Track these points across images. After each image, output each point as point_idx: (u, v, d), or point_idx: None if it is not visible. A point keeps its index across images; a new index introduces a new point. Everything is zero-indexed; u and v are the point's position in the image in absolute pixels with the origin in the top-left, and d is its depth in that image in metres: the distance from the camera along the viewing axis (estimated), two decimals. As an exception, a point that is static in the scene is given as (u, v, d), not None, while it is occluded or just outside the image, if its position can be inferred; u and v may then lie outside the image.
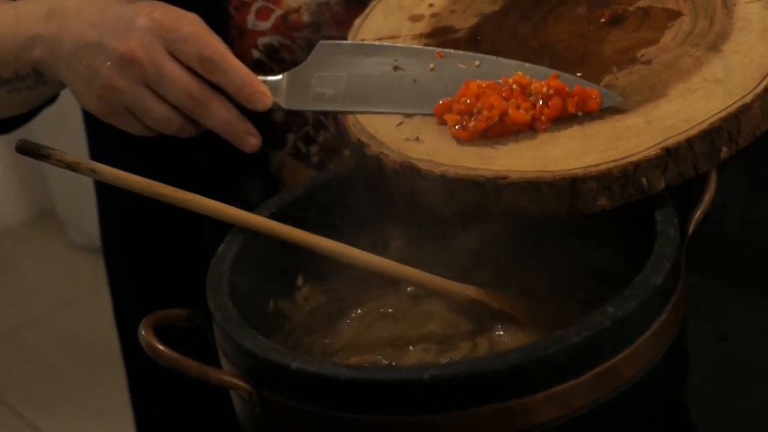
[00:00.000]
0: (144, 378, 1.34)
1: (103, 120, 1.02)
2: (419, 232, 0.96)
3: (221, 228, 0.93)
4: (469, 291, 0.92)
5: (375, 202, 0.95)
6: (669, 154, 0.85)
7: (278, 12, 1.11)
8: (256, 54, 1.11)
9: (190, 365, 0.81)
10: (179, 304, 0.90)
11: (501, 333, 0.91)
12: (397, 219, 0.96)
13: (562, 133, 0.90)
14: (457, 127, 0.91)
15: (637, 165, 0.85)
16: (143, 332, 0.83)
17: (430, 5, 1.08)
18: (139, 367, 1.34)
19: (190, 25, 0.99)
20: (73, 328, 2.78)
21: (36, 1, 1.05)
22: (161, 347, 0.82)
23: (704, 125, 0.86)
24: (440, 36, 1.04)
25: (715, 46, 0.93)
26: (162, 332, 0.84)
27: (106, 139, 1.05)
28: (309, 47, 1.09)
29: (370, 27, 1.06)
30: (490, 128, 0.90)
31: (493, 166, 0.88)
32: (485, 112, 0.90)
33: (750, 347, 0.99)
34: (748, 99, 0.87)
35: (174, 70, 0.97)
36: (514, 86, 0.91)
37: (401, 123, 0.96)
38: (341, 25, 1.10)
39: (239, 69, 0.99)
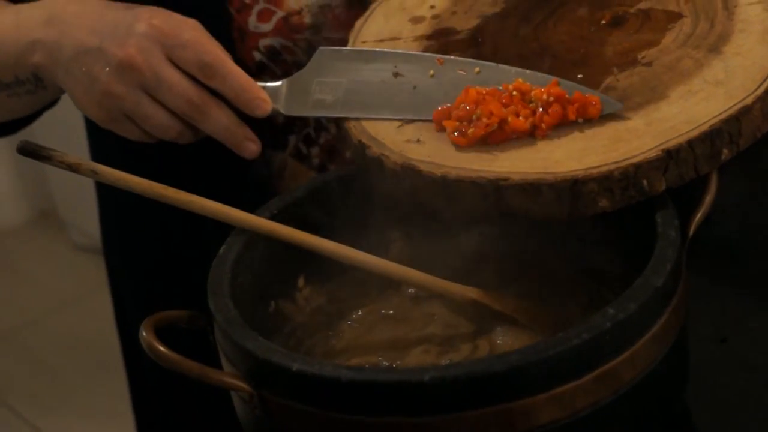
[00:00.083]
0: (145, 379, 1.34)
1: (102, 126, 1.02)
2: (420, 233, 0.96)
3: (222, 229, 0.93)
4: (470, 293, 0.92)
5: (376, 203, 0.95)
6: (670, 156, 0.85)
7: (280, 14, 1.11)
8: (257, 56, 1.11)
9: (191, 366, 0.81)
10: (180, 305, 0.90)
11: (502, 335, 0.91)
12: (398, 220, 0.96)
13: (562, 135, 0.90)
14: (455, 133, 0.91)
15: (637, 167, 0.85)
16: (144, 333, 0.83)
17: (431, 7, 1.08)
18: (139, 368, 1.34)
19: (190, 30, 0.98)
20: (74, 328, 2.78)
21: (37, 6, 1.05)
22: (162, 348, 0.82)
23: (705, 127, 0.86)
24: (441, 38, 1.04)
25: (715, 48, 0.93)
26: (163, 333, 0.84)
27: (107, 140, 1.05)
28: (310, 49, 1.09)
29: (371, 29, 1.07)
30: (489, 135, 0.90)
31: (494, 167, 0.88)
32: (484, 120, 0.90)
33: (750, 349, 0.99)
34: (748, 101, 0.87)
35: (173, 75, 0.97)
36: (514, 93, 0.91)
37: (402, 125, 0.96)
38: (342, 27, 1.10)
39: (239, 75, 0.98)
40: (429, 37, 1.05)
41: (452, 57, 0.99)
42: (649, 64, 0.94)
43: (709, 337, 0.98)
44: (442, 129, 0.93)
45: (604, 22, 1.00)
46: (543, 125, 0.89)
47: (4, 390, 2.64)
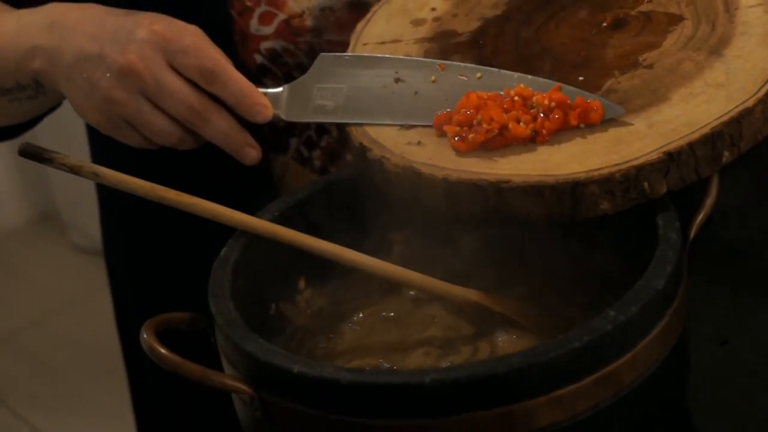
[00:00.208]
0: (145, 381, 1.34)
1: (102, 132, 1.02)
2: (421, 235, 0.96)
3: (223, 231, 0.93)
4: (470, 295, 0.92)
5: (377, 205, 0.95)
6: (671, 159, 0.85)
7: (281, 16, 1.11)
8: (259, 58, 1.11)
9: (191, 368, 0.81)
10: (181, 308, 0.90)
11: (502, 337, 0.91)
12: (399, 223, 0.96)
13: (563, 137, 0.90)
14: (456, 138, 0.91)
15: (639, 169, 0.85)
16: (145, 335, 0.83)
17: (433, 9, 1.08)
18: (140, 370, 1.34)
19: (191, 36, 0.98)
20: (74, 330, 2.78)
21: (38, 12, 1.05)
22: (163, 350, 0.82)
23: (706, 129, 0.86)
24: (442, 40, 1.04)
25: (716, 50, 0.93)
26: (164, 335, 0.84)
27: (108, 143, 1.05)
28: (312, 52, 1.09)
29: (372, 31, 1.07)
30: (489, 141, 0.90)
31: (496, 170, 0.88)
32: (485, 125, 0.90)
33: (751, 351, 0.99)
34: (750, 103, 0.87)
35: (174, 82, 0.97)
36: (516, 98, 0.91)
37: (403, 128, 0.96)
38: (344, 30, 1.10)
39: (239, 81, 0.98)
40: (430, 40, 1.05)
41: (454, 62, 0.98)
42: (650, 66, 0.94)
43: (710, 339, 0.98)
44: (442, 134, 0.93)
45: (605, 24, 1.00)
46: (544, 131, 0.89)
47: (4, 391, 2.64)
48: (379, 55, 1.02)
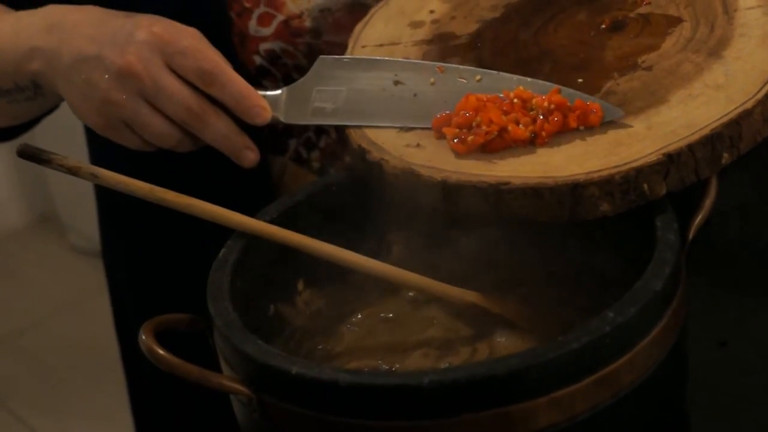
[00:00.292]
0: (144, 382, 1.34)
1: (100, 134, 1.02)
2: (420, 237, 0.96)
3: (222, 233, 0.93)
4: (469, 296, 0.92)
5: (376, 207, 0.95)
6: (670, 160, 0.85)
7: (280, 18, 1.11)
8: (257, 60, 1.11)
9: (190, 370, 0.81)
10: (180, 309, 0.90)
11: (501, 338, 0.91)
12: (398, 224, 0.96)
13: (563, 139, 0.90)
14: (455, 140, 0.91)
15: (638, 171, 0.85)
16: (143, 337, 0.83)
17: (431, 12, 1.08)
18: (139, 372, 1.34)
19: (189, 38, 0.98)
20: (73, 332, 2.78)
21: (37, 14, 1.04)
22: (161, 352, 0.82)
23: (705, 131, 0.86)
24: (441, 42, 1.04)
25: (715, 52, 0.93)
26: (162, 337, 0.84)
27: (106, 144, 1.05)
28: (311, 53, 1.09)
29: (370, 33, 1.07)
30: (488, 143, 0.90)
31: (495, 171, 0.88)
32: (484, 127, 0.90)
33: (750, 352, 0.99)
34: (749, 105, 0.87)
35: (172, 83, 0.97)
36: (515, 100, 0.91)
37: (402, 129, 0.96)
38: (343, 31, 1.10)
39: (238, 83, 0.98)
40: (429, 42, 1.05)
41: (453, 65, 0.98)
42: (649, 68, 0.94)
43: (709, 341, 0.98)
44: (441, 136, 0.93)
45: (604, 26, 1.00)
46: (543, 133, 0.89)
47: (3, 393, 2.64)
48: (378, 57, 1.01)
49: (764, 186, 1.17)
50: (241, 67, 1.11)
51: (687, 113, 0.88)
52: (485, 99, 0.92)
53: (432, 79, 0.97)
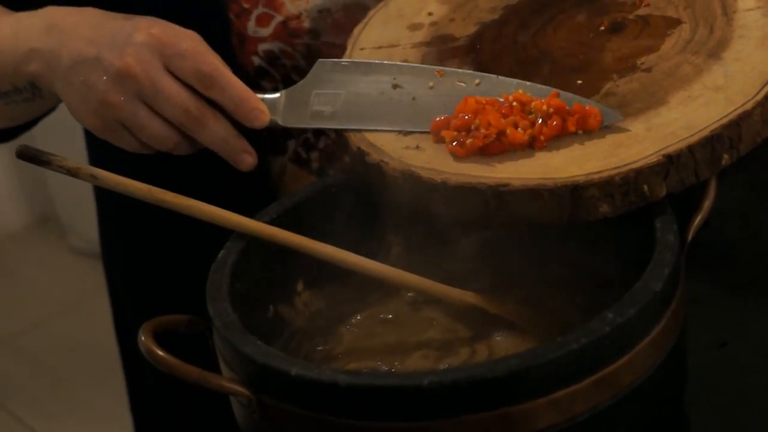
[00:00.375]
0: (144, 383, 1.34)
1: (98, 136, 1.02)
2: (419, 238, 0.96)
3: (221, 234, 0.93)
4: (468, 297, 0.92)
5: (375, 208, 0.95)
6: (670, 161, 0.85)
7: (279, 18, 1.11)
8: (256, 60, 1.11)
9: (189, 371, 0.81)
10: (179, 310, 0.90)
11: (500, 339, 0.91)
12: (397, 225, 0.96)
13: (562, 141, 0.90)
14: (454, 143, 0.91)
15: (638, 172, 0.85)
16: (143, 338, 0.83)
17: (430, 14, 1.08)
18: (138, 373, 1.34)
19: (189, 41, 0.98)
20: (73, 333, 2.78)
21: (36, 15, 1.04)
22: (161, 353, 0.82)
23: (705, 132, 0.86)
24: (440, 45, 1.04)
25: (715, 53, 0.93)
26: (162, 338, 0.84)
27: (105, 145, 1.05)
28: (309, 53, 1.09)
29: (369, 36, 1.06)
30: (487, 146, 0.90)
31: (495, 173, 0.88)
32: (482, 130, 0.90)
33: (749, 353, 0.99)
34: (748, 106, 0.87)
35: (171, 85, 0.97)
36: (514, 104, 0.91)
37: (401, 132, 0.96)
38: (342, 32, 1.09)
39: (237, 85, 0.98)
40: (427, 44, 1.05)
41: (452, 69, 0.98)
42: (648, 69, 0.94)
43: (708, 342, 0.98)
44: (440, 140, 0.92)
45: (603, 28, 1.00)
46: (542, 137, 0.89)
47: (3, 393, 2.64)
48: (377, 61, 1.01)
49: (763, 187, 1.17)
50: (239, 67, 1.11)
51: (686, 115, 0.88)
52: (484, 102, 0.92)
53: (431, 83, 0.97)
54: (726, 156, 0.87)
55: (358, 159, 0.96)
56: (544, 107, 0.90)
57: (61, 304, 2.89)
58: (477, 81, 0.96)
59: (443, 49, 1.04)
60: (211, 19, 1.09)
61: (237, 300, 0.87)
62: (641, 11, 1.01)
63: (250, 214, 0.94)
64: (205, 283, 0.88)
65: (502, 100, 0.92)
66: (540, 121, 0.90)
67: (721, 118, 0.87)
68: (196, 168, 1.09)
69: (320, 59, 1.01)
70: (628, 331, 0.78)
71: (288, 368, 0.78)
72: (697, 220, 0.87)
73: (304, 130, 1.13)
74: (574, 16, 1.03)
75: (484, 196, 0.87)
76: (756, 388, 0.95)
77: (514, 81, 0.94)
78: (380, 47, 1.05)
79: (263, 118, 0.99)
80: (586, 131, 0.90)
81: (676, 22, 0.98)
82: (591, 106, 0.90)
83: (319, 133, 1.13)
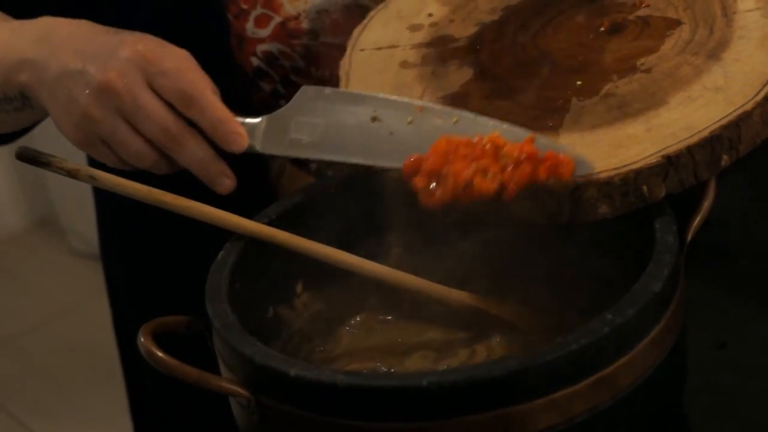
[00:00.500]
0: (143, 385, 1.34)
1: (80, 149, 1.01)
2: (418, 239, 0.96)
3: (221, 235, 0.93)
4: (468, 298, 0.92)
5: (374, 209, 0.95)
6: (670, 162, 0.85)
7: (277, 19, 1.11)
8: (255, 61, 1.11)
9: (189, 372, 0.81)
10: (178, 311, 0.90)
11: (499, 340, 0.91)
12: (397, 226, 0.96)
13: (562, 141, 0.90)
14: (425, 191, 0.89)
15: (637, 173, 0.85)
16: (142, 339, 0.83)
17: (429, 15, 1.08)
18: (138, 374, 1.34)
19: (175, 60, 0.96)
20: (73, 335, 2.78)
21: (31, 24, 1.03)
22: (160, 354, 0.82)
23: (705, 133, 0.86)
24: (439, 45, 1.04)
25: (714, 54, 0.93)
26: (161, 339, 0.84)
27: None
28: (308, 54, 1.09)
29: (369, 37, 1.06)
30: (456, 196, 0.88)
31: (494, 174, 0.88)
32: (450, 180, 0.88)
33: (749, 354, 0.99)
34: (748, 107, 0.87)
35: (151, 103, 0.95)
36: (488, 146, 0.89)
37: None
38: (340, 32, 1.09)
39: (217, 107, 0.96)
40: (427, 45, 1.05)
41: (433, 105, 0.96)
42: (648, 70, 0.94)
43: (707, 343, 0.98)
44: (412, 186, 0.90)
45: (603, 29, 1.00)
46: (512, 185, 0.87)
47: (3, 396, 2.64)
48: (359, 92, 0.99)
49: (763, 188, 1.17)
50: (238, 68, 1.11)
51: (686, 115, 0.88)
52: (457, 143, 0.89)
53: (409, 118, 0.95)
54: (725, 157, 0.87)
55: (357, 160, 0.95)
56: (516, 153, 0.88)
57: (61, 305, 2.89)
58: (455, 119, 0.94)
59: (443, 50, 1.04)
60: (210, 21, 1.09)
61: (236, 301, 0.87)
62: (641, 12, 1.01)
63: (249, 215, 0.94)
64: (205, 284, 0.88)
65: (476, 140, 0.89)
66: (510, 168, 0.88)
67: (720, 119, 0.87)
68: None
69: (303, 86, 0.99)
70: (628, 332, 0.78)
71: (287, 369, 0.78)
72: (697, 221, 0.87)
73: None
74: (574, 17, 1.03)
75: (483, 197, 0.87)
76: (755, 389, 0.95)
77: (492, 122, 0.92)
78: (380, 48, 1.05)
79: (241, 142, 0.97)
80: (558, 179, 0.88)
81: (675, 23, 0.98)
82: (565, 155, 0.87)
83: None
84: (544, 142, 0.89)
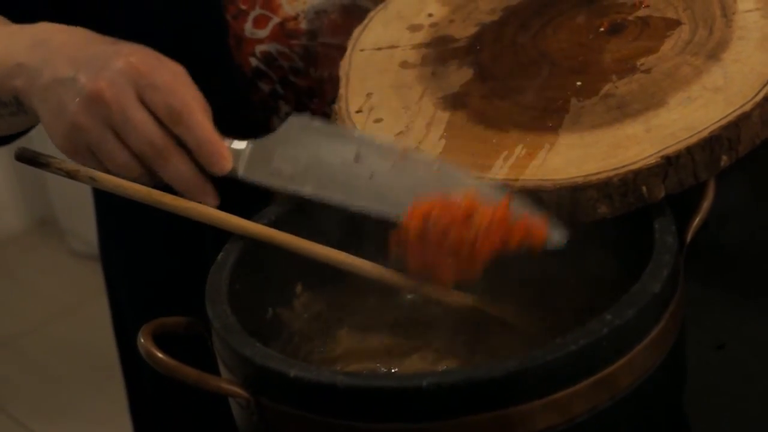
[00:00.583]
0: (143, 385, 1.34)
1: (68, 157, 1.00)
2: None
3: (220, 236, 0.93)
4: (467, 299, 0.92)
5: (374, 210, 0.95)
6: (669, 163, 0.85)
7: (276, 20, 1.11)
8: (254, 62, 1.11)
9: (188, 373, 0.81)
10: (178, 312, 0.90)
11: (499, 340, 0.91)
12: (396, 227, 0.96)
13: (562, 141, 0.90)
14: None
15: (637, 173, 0.85)
16: (142, 340, 0.83)
17: (429, 15, 1.08)
18: (137, 375, 1.34)
19: (167, 74, 0.95)
20: (73, 335, 2.78)
21: (28, 30, 1.02)
22: (160, 355, 0.82)
23: (704, 133, 0.86)
24: (439, 46, 1.04)
25: (714, 54, 0.93)
26: (161, 340, 0.84)
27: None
28: (307, 55, 1.09)
29: (368, 37, 1.06)
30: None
31: (494, 175, 0.88)
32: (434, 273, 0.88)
33: (748, 355, 0.99)
34: (747, 107, 0.87)
35: (140, 115, 0.94)
36: (461, 209, 0.86)
37: (400, 132, 0.96)
38: (339, 33, 1.09)
39: (204, 127, 0.95)
40: (427, 45, 1.05)
41: (417, 153, 0.95)
42: (647, 71, 0.94)
43: (707, 343, 0.98)
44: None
45: (602, 29, 1.00)
46: (480, 255, 0.86)
47: (3, 397, 2.64)
48: (346, 129, 0.98)
49: (762, 188, 1.17)
50: (237, 69, 1.11)
51: (685, 116, 0.88)
52: (432, 204, 0.88)
53: (391, 163, 0.94)
54: (725, 157, 0.87)
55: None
56: (486, 222, 0.86)
57: (61, 306, 2.89)
58: (436, 168, 0.92)
59: (443, 50, 1.04)
60: (209, 21, 1.09)
61: (236, 302, 0.87)
62: (641, 12, 1.01)
63: (248, 216, 0.94)
64: (204, 285, 0.88)
65: (452, 196, 0.88)
66: (480, 236, 0.87)
67: (720, 120, 0.87)
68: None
69: (292, 116, 0.98)
70: (627, 333, 0.78)
71: (287, 370, 0.78)
72: (696, 221, 0.87)
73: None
74: (574, 17, 1.03)
75: (483, 198, 0.87)
76: (754, 390, 0.95)
77: (470, 179, 0.90)
78: (380, 48, 1.05)
79: (224, 165, 0.95)
80: (530, 247, 0.86)
81: (675, 24, 0.98)
82: (539, 222, 0.86)
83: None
84: (521, 204, 0.87)
